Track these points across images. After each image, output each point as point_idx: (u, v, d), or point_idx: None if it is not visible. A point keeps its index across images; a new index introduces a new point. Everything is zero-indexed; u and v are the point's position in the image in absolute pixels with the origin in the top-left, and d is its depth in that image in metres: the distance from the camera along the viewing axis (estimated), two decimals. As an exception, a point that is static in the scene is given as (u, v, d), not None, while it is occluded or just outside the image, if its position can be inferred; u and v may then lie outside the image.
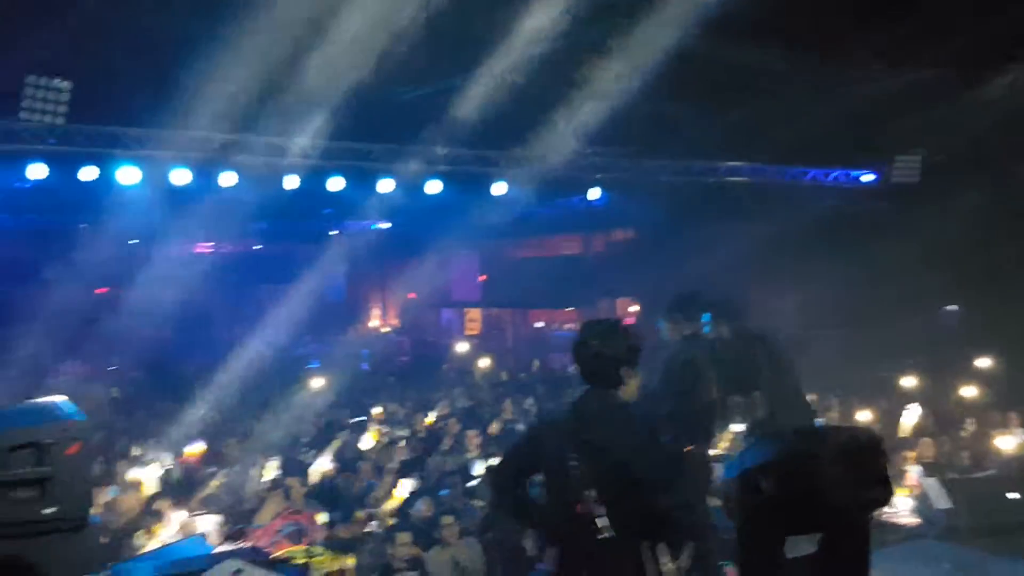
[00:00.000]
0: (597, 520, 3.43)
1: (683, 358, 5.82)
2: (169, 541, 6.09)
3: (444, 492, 8.53)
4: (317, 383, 12.88)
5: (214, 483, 8.59)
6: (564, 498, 3.54)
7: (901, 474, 7.90)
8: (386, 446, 9.49)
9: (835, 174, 14.59)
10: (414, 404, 12.42)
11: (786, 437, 2.28)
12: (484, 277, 23.81)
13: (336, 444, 9.15)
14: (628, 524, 3.42)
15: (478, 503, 8.38)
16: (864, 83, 10.88)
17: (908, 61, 10.33)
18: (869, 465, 2.11)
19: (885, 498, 2.19)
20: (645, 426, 3.73)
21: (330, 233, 19.97)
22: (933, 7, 8.89)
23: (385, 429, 10.84)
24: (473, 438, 10.10)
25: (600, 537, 3.44)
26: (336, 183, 12.15)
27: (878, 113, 11.52)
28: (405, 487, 8.04)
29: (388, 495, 8.38)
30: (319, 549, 4.16)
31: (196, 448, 9.61)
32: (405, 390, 13.92)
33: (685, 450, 5.15)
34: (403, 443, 9.63)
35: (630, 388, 3.79)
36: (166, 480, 8.75)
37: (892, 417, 9.95)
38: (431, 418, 11.44)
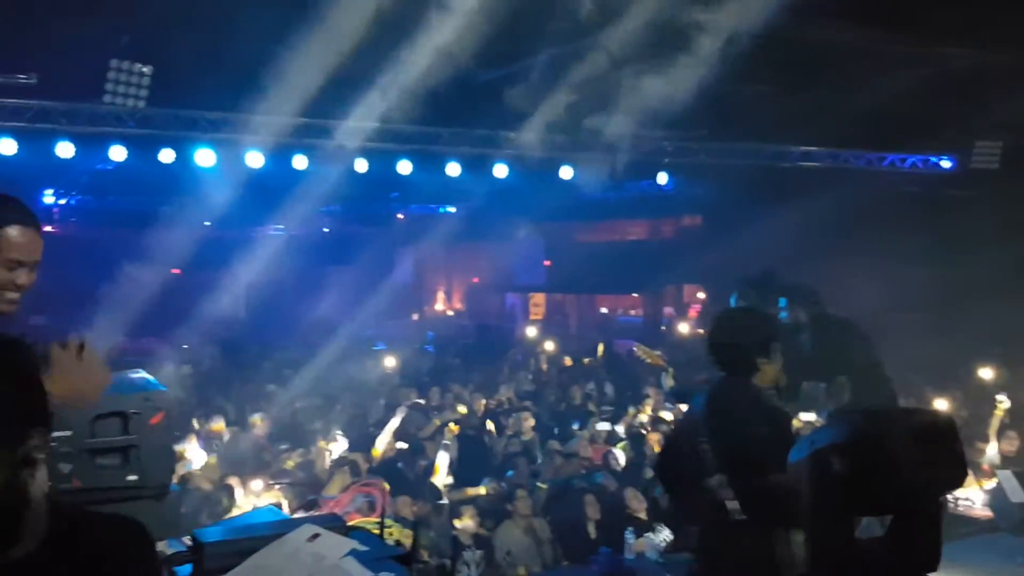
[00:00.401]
0: (727, 503, 3.52)
1: None
2: (244, 511, 6.30)
3: (509, 473, 8.63)
4: (384, 363, 13.08)
5: (290, 462, 8.82)
6: (698, 481, 3.64)
7: (976, 466, 7.72)
8: (441, 426, 9.62)
9: (912, 159, 14.20)
10: (476, 386, 12.52)
11: (859, 417, 2.26)
12: (549, 262, 23.77)
13: (396, 423, 9.31)
14: (756, 508, 3.49)
15: (542, 485, 8.46)
16: (942, 65, 10.54)
17: (988, 43, 9.98)
18: (943, 446, 2.09)
19: (958, 480, 2.16)
20: (775, 414, 3.75)
21: (398, 216, 20.19)
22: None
23: (451, 401, 11.01)
24: (527, 420, 10.16)
25: (732, 520, 3.53)
26: (404, 167, 12.23)
27: (958, 97, 11.16)
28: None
29: (446, 473, 8.53)
30: (390, 521, 4.25)
31: (260, 419, 9.86)
32: (469, 372, 14.03)
33: None
34: (453, 424, 9.74)
35: (767, 376, 3.80)
36: (237, 453, 9.01)
37: (968, 407, 9.72)
38: (491, 401, 11.54)
